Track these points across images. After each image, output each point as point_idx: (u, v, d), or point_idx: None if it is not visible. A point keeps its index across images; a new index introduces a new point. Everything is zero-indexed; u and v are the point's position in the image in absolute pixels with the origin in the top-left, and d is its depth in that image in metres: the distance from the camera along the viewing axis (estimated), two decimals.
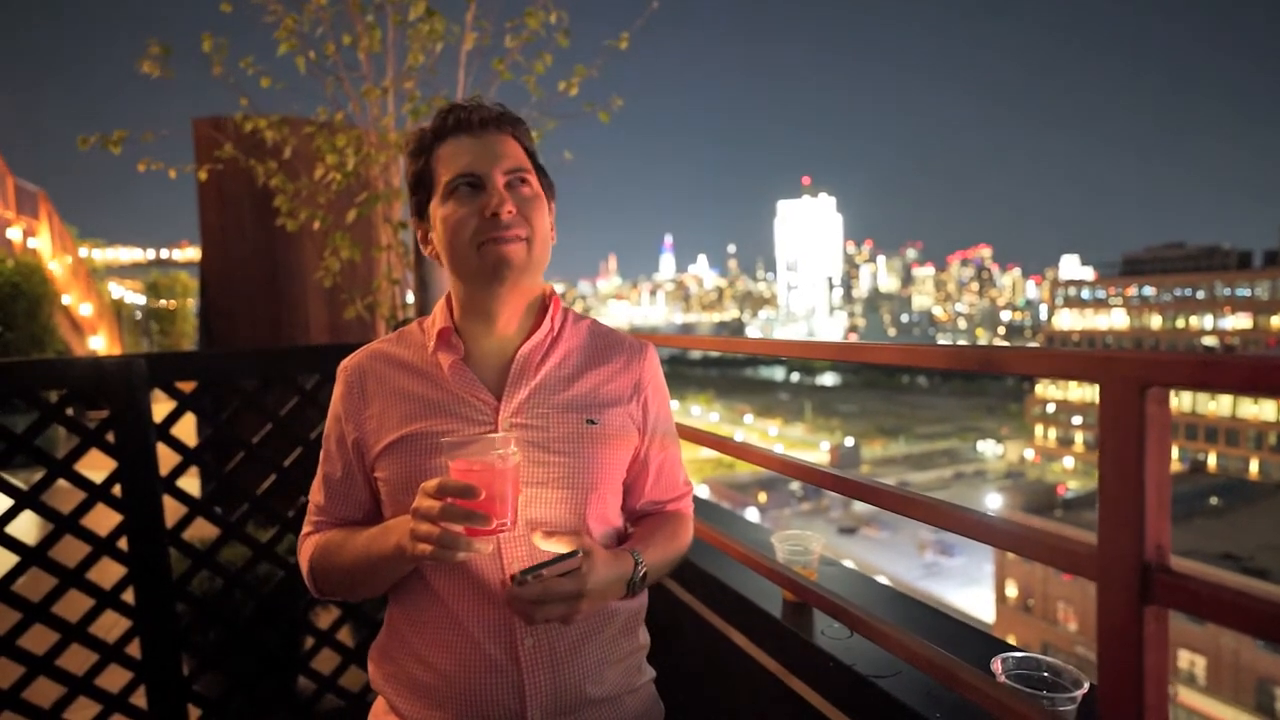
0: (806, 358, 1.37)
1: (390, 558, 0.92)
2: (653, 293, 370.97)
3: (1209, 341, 61.87)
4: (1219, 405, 55.17)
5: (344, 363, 1.08)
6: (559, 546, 0.91)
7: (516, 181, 0.98)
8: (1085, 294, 72.88)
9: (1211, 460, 54.77)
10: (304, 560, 1.07)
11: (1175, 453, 56.71)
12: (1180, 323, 64.24)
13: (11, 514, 1.79)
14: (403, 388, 1.03)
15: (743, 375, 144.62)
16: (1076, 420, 66.19)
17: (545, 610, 0.86)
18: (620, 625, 1.06)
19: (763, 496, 62.87)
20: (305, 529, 1.10)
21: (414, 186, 1.03)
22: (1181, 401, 57.11)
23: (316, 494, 1.09)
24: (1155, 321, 65.93)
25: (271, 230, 3.72)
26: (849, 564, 1.56)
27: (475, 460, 0.85)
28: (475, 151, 0.97)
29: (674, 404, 1.18)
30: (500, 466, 0.85)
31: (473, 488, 0.83)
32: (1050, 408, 68.46)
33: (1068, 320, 73.63)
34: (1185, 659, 26.95)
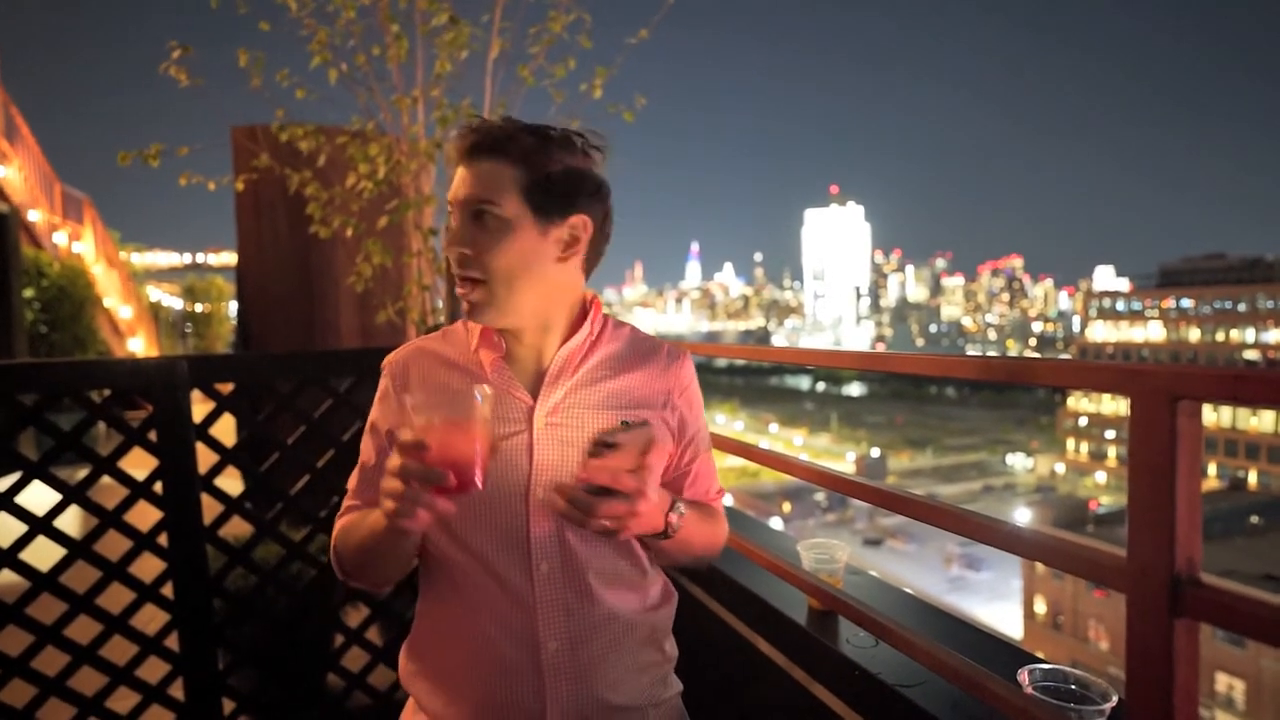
0: (832, 366, 1.37)
1: (386, 532, 0.91)
2: (678, 300, 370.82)
3: (1251, 355, 60.12)
4: (1261, 421, 53.53)
5: (389, 358, 1.10)
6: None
7: (476, 214, 0.97)
8: (1120, 305, 71.37)
9: (1252, 478, 53.10)
10: (331, 542, 1.09)
11: (1214, 469, 55.10)
12: (1220, 336, 62.55)
13: (59, 509, 1.86)
14: (444, 382, 1.05)
15: (768, 384, 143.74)
16: (1109, 434, 64.71)
17: (608, 505, 0.83)
18: (645, 635, 1.06)
19: (787, 506, 62.34)
20: (339, 515, 1.12)
21: None
22: (1221, 417, 55.55)
23: (352, 480, 1.11)
24: (1194, 334, 64.28)
25: (305, 236, 3.81)
26: (875, 575, 1.55)
27: (437, 415, 0.82)
28: (458, 181, 0.99)
29: None
30: (462, 422, 0.81)
31: (423, 442, 0.79)
32: (1082, 421, 67.01)
33: (1102, 332, 72.14)
34: (1224, 682, 26.09)
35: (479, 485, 0.83)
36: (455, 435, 0.81)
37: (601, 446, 0.84)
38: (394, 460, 0.81)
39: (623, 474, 0.84)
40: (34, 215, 8.92)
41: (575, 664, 0.98)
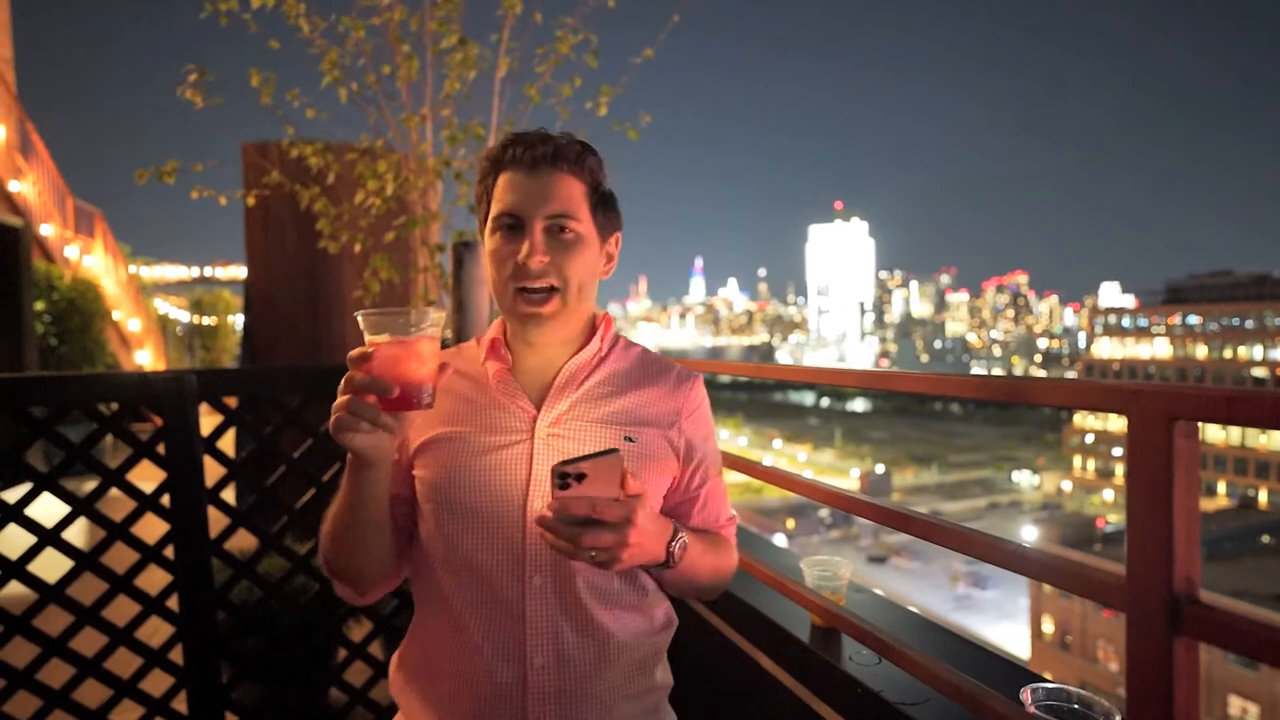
0: (833, 384, 1.38)
1: (347, 478, 0.93)
2: (682, 315, 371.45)
3: (1259, 373, 59.80)
4: (1270, 439, 53.11)
5: None
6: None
7: (556, 228, 0.99)
8: (1126, 322, 71.21)
9: (1263, 497, 52.60)
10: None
11: (1224, 488, 54.60)
12: (1228, 353, 62.27)
13: (68, 520, 1.87)
14: (449, 388, 1.05)
15: (772, 400, 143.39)
16: (1117, 452, 64.30)
17: (592, 535, 0.80)
18: (639, 660, 1.02)
19: (791, 523, 62.02)
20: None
21: (478, 203, 1.07)
22: (1230, 435, 55.18)
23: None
24: (1201, 351, 64.01)
25: (314, 251, 3.85)
26: (878, 593, 1.55)
27: (384, 333, 0.84)
28: (523, 191, 0.99)
29: None
30: (407, 340, 0.83)
31: (368, 354, 0.82)
32: (1089, 438, 66.64)
33: (1107, 349, 71.94)
34: (1237, 705, 25.71)
35: (422, 403, 0.84)
36: (399, 351, 0.83)
37: (568, 478, 0.78)
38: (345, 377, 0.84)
39: (605, 503, 0.80)
40: (46, 229, 9.02)
41: (561, 682, 0.95)
